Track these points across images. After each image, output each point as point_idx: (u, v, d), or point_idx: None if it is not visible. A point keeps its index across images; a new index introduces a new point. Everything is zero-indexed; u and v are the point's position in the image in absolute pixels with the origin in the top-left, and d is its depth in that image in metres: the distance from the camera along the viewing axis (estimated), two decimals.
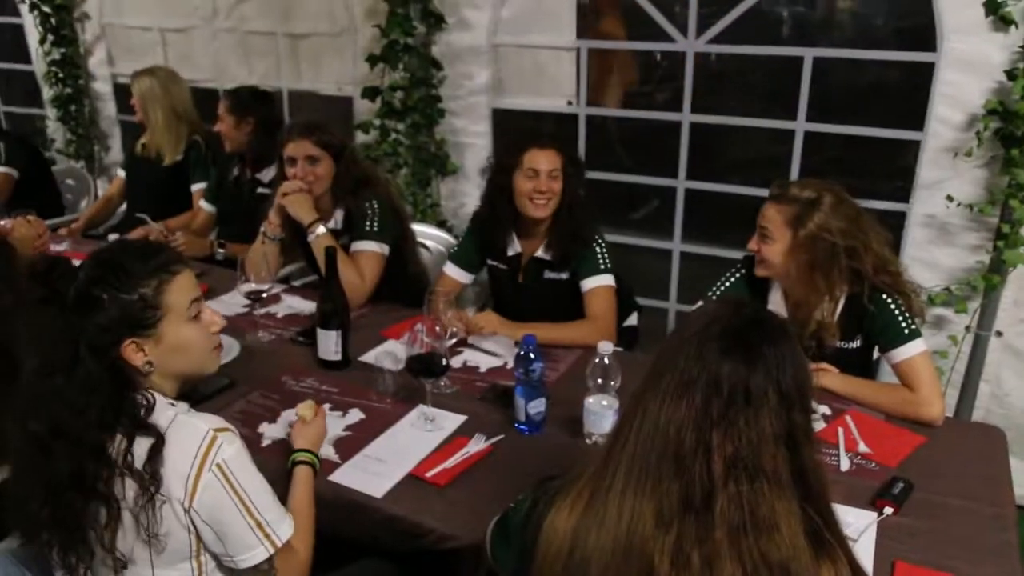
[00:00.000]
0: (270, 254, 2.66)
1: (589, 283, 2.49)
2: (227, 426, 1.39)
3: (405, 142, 3.49)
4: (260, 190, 3.22)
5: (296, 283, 3.07)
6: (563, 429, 1.95)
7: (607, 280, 2.49)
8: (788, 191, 2.06)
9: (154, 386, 1.41)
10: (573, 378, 2.14)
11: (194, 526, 1.34)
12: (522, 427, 1.94)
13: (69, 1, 4.44)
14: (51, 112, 4.79)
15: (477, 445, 1.87)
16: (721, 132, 3.17)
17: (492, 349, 2.32)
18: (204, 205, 3.46)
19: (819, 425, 1.93)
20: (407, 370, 1.98)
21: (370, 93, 3.46)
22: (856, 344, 2.15)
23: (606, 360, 1.83)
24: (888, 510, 1.62)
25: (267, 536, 1.39)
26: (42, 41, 4.56)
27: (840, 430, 1.91)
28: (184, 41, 4.17)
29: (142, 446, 1.32)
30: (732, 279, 2.30)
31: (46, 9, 4.45)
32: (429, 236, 3.28)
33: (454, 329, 2.18)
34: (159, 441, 1.32)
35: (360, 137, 3.56)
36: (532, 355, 1.89)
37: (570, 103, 3.31)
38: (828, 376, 2.07)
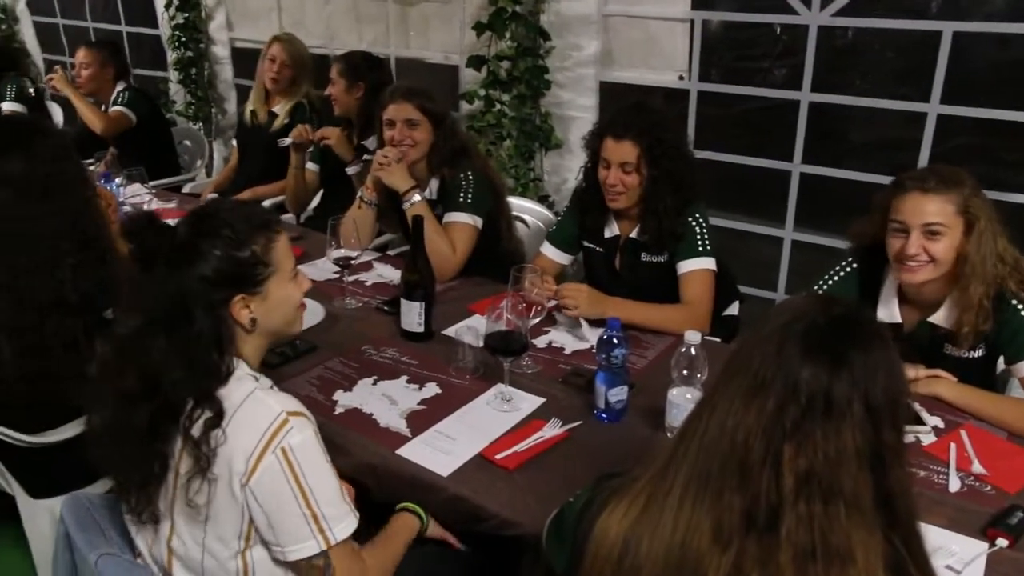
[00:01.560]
0: (365, 220, 2.63)
1: (685, 266, 2.34)
2: (302, 411, 1.35)
3: (509, 113, 3.41)
4: (365, 157, 3.22)
5: (392, 252, 3.06)
6: (645, 420, 1.84)
7: (705, 263, 2.34)
8: (939, 180, 1.84)
9: (241, 353, 1.40)
10: (661, 367, 2.02)
11: (247, 506, 1.30)
12: (601, 415, 1.84)
13: None
14: (173, 75, 4.97)
15: (552, 430, 1.79)
16: (843, 113, 2.96)
17: (583, 331, 2.22)
18: (309, 165, 3.48)
19: (929, 439, 1.75)
20: (485, 347, 1.91)
21: (476, 62, 3.39)
22: (978, 354, 1.94)
23: (692, 350, 1.71)
24: (1002, 542, 1.43)
25: (321, 531, 1.31)
26: (168, 6, 4.72)
27: (952, 446, 1.72)
28: (298, 7, 4.21)
29: (204, 415, 1.30)
30: (842, 273, 2.10)
31: None
32: (528, 211, 3.19)
33: (539, 308, 2.09)
34: (218, 416, 1.29)
35: (464, 107, 3.50)
36: (615, 340, 1.79)
37: (681, 77, 3.14)
38: (944, 384, 1.87)
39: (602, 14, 3.17)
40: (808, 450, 0.86)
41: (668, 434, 1.75)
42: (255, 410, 1.31)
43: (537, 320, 2.10)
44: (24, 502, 2.02)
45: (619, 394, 1.83)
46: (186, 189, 4.11)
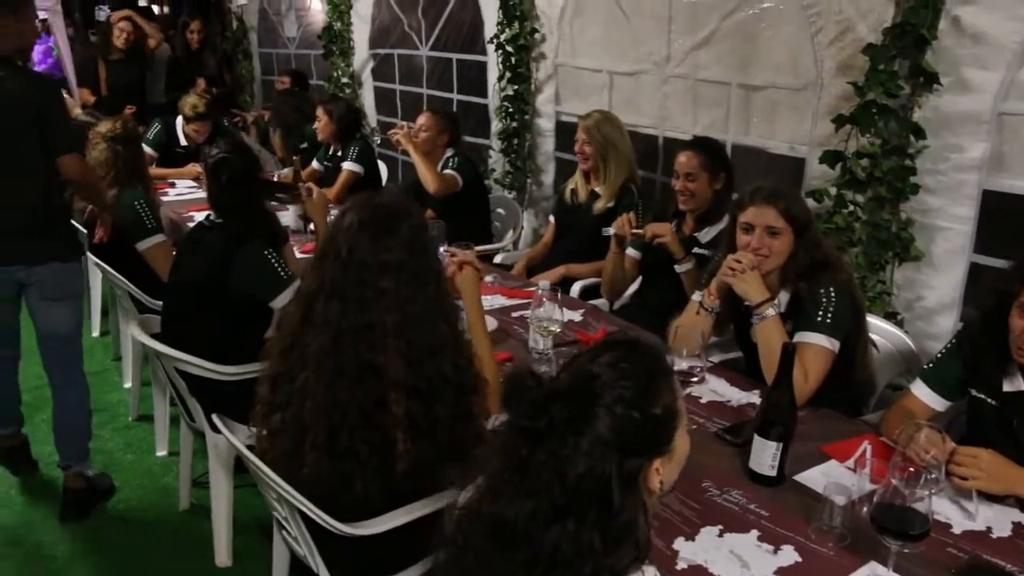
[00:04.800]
0: (704, 327, 2.38)
1: None
2: None
3: (862, 217, 3.02)
4: (696, 250, 2.99)
5: (714, 359, 2.78)
6: None
7: None
8: None
9: None
10: None
11: None
12: None
13: (530, 42, 4.63)
14: (495, 143, 5.06)
15: None
16: None
17: (972, 505, 1.80)
18: (630, 251, 3.30)
19: None
20: (871, 521, 1.56)
21: (831, 158, 3.04)
22: None
23: None
24: None
25: None
26: (500, 78, 4.83)
27: None
28: (632, 85, 4.09)
29: None
30: None
31: (509, 49, 4.70)
32: (877, 330, 2.76)
33: (934, 475, 1.70)
34: None
35: (808, 204, 3.15)
36: None
37: None
38: None
39: (997, 112, 2.71)
40: None
41: None
42: None
43: (933, 492, 1.71)
44: None
45: None
46: (497, 259, 4.12)
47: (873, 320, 2.80)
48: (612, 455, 1.10)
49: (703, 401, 2.28)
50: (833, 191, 3.08)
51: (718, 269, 2.40)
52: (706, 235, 3.05)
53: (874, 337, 2.75)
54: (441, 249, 3.14)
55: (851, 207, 3.03)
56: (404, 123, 4.51)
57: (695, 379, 2.14)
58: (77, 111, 5.24)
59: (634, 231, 3.09)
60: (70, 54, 9.29)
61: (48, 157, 2.75)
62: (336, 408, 1.76)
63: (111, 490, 3.20)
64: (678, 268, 2.99)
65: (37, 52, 10.84)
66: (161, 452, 3.48)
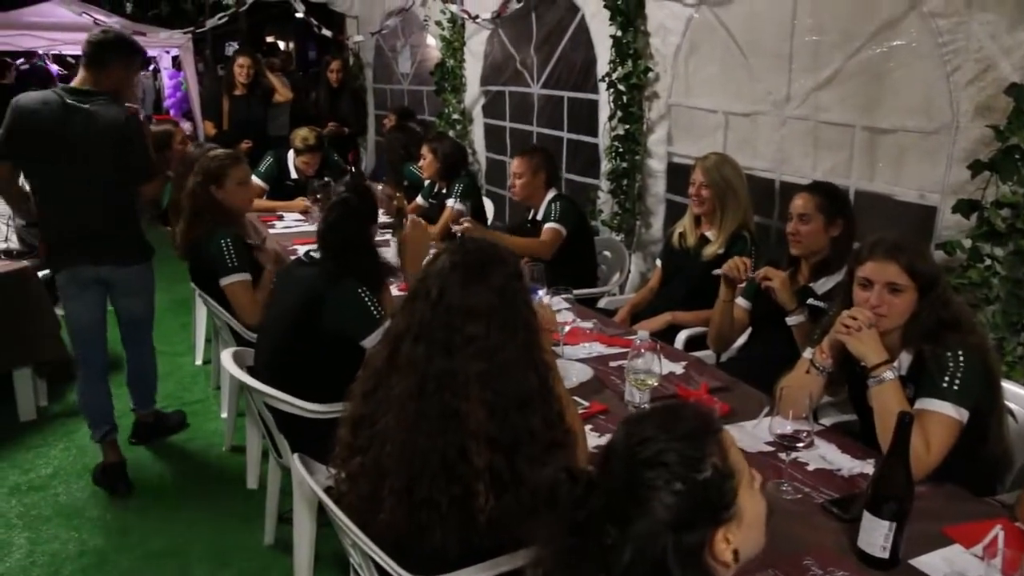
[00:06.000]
0: (814, 388, 2.19)
1: None
2: None
3: (1001, 272, 2.75)
4: (810, 302, 2.79)
5: (826, 421, 2.56)
6: None
7: None
8: None
9: None
10: None
11: None
12: None
13: (643, 81, 4.53)
14: (604, 184, 4.96)
15: None
16: None
17: None
18: (740, 301, 3.11)
19: None
20: None
21: (966, 207, 2.79)
22: None
23: None
24: None
25: None
26: (611, 117, 4.73)
27: None
28: (748, 126, 3.92)
29: None
30: None
31: (621, 88, 4.60)
32: (1014, 397, 2.49)
33: None
34: None
35: (938, 256, 2.91)
36: None
37: None
38: None
39: None
40: None
41: None
42: None
43: None
44: None
45: None
46: (602, 303, 4.00)
47: (1012, 387, 2.52)
48: (664, 534, 1.03)
49: (810, 468, 2.08)
50: (967, 243, 2.82)
51: (831, 325, 2.21)
52: (822, 286, 2.83)
53: (1013, 407, 2.48)
54: (540, 292, 3.06)
55: (988, 261, 2.77)
56: (464, 220, 4.17)
57: (801, 444, 1.95)
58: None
59: (747, 275, 2.91)
60: (198, 88, 9.83)
61: (127, 175, 3.30)
62: (417, 455, 1.69)
63: (181, 424, 4.03)
64: (789, 320, 2.79)
65: (168, 86, 11.59)
66: (251, 484, 3.49)
